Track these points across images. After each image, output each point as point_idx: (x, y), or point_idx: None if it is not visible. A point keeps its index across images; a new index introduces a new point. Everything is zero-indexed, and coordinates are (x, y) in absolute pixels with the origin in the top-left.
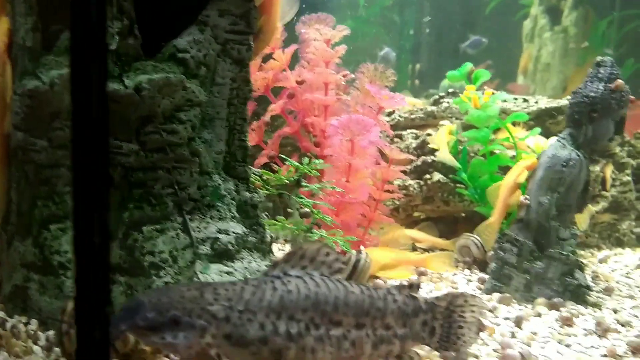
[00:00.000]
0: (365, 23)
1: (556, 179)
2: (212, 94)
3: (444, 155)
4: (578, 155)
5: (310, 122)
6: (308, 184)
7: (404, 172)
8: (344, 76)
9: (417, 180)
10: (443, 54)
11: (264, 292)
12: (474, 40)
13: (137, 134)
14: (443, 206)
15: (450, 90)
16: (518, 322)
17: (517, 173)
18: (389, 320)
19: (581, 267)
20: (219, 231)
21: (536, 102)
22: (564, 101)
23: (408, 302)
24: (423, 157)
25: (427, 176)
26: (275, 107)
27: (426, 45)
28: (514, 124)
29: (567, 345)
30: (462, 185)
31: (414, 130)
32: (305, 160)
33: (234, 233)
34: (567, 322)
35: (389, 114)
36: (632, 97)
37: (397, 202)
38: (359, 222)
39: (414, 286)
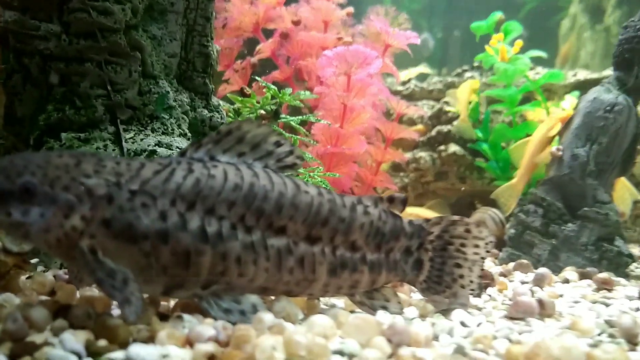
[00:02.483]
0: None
1: (597, 127)
2: None
3: (462, 124)
4: (626, 101)
5: (305, 66)
6: (287, 116)
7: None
8: (348, 14)
9: (430, 153)
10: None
11: (173, 172)
12: None
13: (60, 12)
14: (458, 183)
15: (476, 64)
16: (539, 281)
17: (549, 126)
18: (356, 238)
19: (622, 235)
20: (159, 144)
21: (574, 75)
22: (609, 71)
23: (385, 219)
24: (438, 127)
25: (442, 147)
26: (264, 48)
27: (454, 48)
28: (547, 98)
29: (606, 306)
30: (482, 159)
31: (431, 102)
32: (288, 89)
33: (178, 149)
34: (604, 284)
35: (404, 84)
36: None
37: (405, 180)
38: (355, 188)
39: (396, 200)
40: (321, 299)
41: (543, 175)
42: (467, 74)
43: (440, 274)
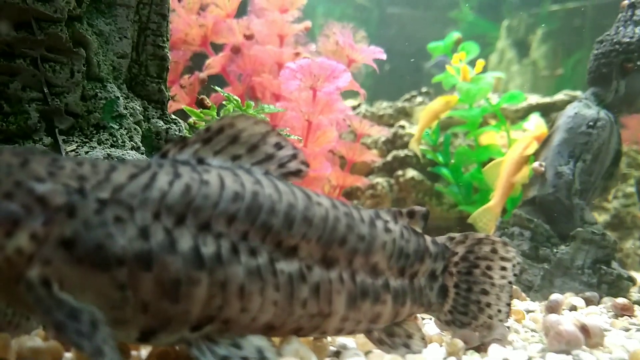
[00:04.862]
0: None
1: (581, 143)
2: None
3: (412, 144)
4: (608, 116)
5: (259, 83)
6: None
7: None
8: (305, 29)
9: (387, 178)
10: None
11: (155, 176)
12: (439, 59)
13: None
14: None
15: (424, 89)
16: (553, 309)
17: (524, 145)
18: (378, 260)
19: (615, 257)
20: (108, 158)
21: (525, 100)
22: (561, 96)
23: (408, 237)
24: (394, 152)
25: (400, 172)
26: (214, 63)
27: (385, 82)
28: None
29: None
30: (441, 184)
31: (382, 127)
32: (250, 102)
33: None
34: (624, 310)
35: (354, 108)
36: None
37: (361, 207)
38: None
39: (416, 214)
40: (329, 338)
41: (519, 196)
42: (418, 99)
43: (466, 302)
